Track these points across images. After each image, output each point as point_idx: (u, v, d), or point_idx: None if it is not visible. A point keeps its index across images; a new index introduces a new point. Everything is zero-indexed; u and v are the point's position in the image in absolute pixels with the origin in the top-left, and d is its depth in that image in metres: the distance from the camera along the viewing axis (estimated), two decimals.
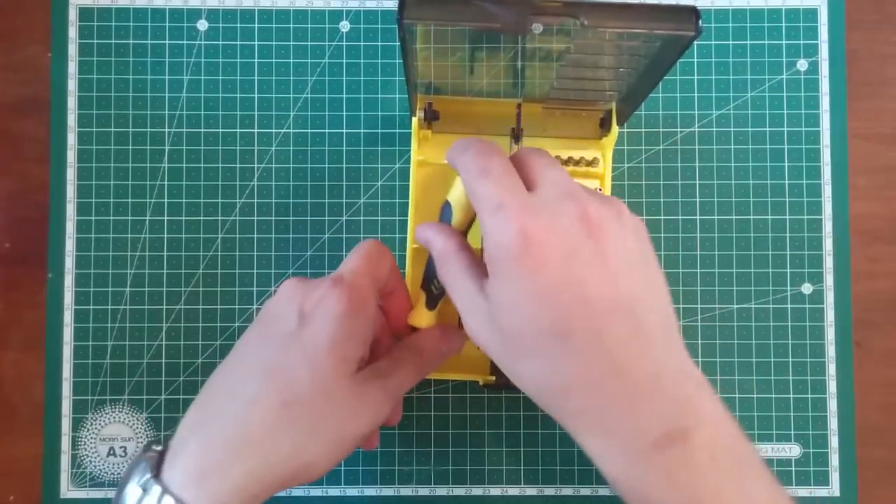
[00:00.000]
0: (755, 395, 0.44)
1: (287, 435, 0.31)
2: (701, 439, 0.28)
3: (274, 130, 0.45)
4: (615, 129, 0.40)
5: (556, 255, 0.28)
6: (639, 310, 0.29)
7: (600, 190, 0.42)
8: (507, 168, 0.30)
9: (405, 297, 0.38)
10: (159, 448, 0.32)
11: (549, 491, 0.44)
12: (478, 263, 0.32)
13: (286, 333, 0.32)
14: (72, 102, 0.44)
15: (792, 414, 0.44)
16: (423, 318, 0.39)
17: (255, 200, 0.44)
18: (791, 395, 0.44)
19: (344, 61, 0.45)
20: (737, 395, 0.44)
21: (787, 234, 0.44)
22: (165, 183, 0.44)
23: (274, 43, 0.45)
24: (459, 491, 0.44)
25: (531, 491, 0.44)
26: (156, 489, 0.30)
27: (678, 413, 0.29)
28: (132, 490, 0.31)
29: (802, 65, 0.45)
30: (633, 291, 0.29)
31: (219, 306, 0.44)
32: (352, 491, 0.44)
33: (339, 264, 0.34)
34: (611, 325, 0.28)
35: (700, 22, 0.29)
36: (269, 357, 0.32)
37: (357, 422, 0.33)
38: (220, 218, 0.44)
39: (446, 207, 0.38)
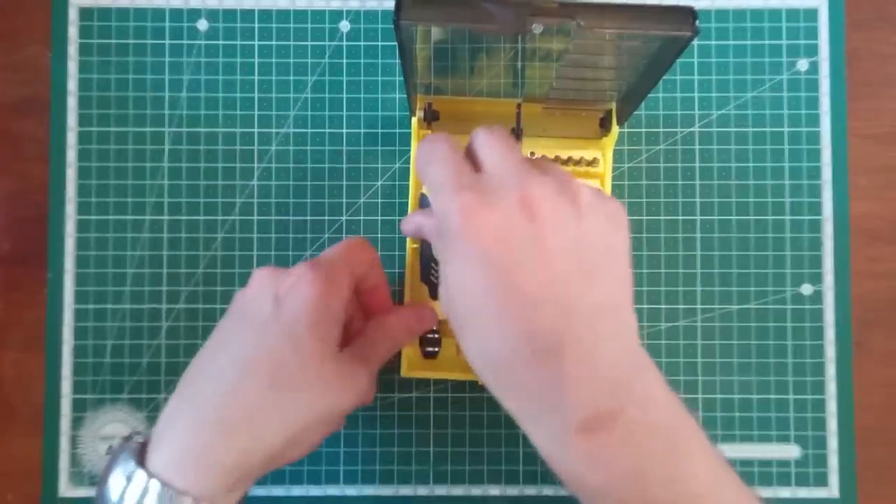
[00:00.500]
0: (754, 396, 0.44)
1: (274, 415, 0.32)
2: (629, 420, 0.28)
3: (274, 130, 0.45)
4: (615, 128, 0.40)
5: (491, 234, 0.28)
6: (573, 294, 0.28)
7: (610, 186, 0.42)
8: (450, 153, 0.31)
9: (386, 294, 0.38)
10: (140, 438, 0.32)
11: (549, 491, 0.44)
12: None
13: (263, 318, 0.33)
14: (72, 102, 0.45)
15: (791, 414, 0.44)
16: None
17: (255, 200, 0.45)
18: (790, 396, 0.44)
19: (344, 61, 0.45)
20: (736, 396, 0.44)
21: (787, 235, 0.44)
22: (165, 182, 0.44)
23: (274, 43, 0.45)
24: (458, 491, 0.44)
25: (530, 491, 0.44)
26: (140, 475, 0.30)
27: (608, 395, 0.28)
28: (115, 480, 0.30)
29: (802, 65, 0.45)
30: (567, 275, 0.28)
31: (218, 306, 0.44)
32: (350, 490, 0.44)
33: None
34: (541, 308, 0.28)
35: (697, 22, 0.29)
36: (250, 342, 0.32)
37: (342, 398, 0.33)
38: (219, 217, 0.44)
39: (423, 199, 0.40)
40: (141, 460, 0.31)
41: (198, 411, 0.32)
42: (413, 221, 0.35)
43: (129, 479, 0.30)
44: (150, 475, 0.30)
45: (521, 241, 0.28)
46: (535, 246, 0.28)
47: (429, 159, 0.31)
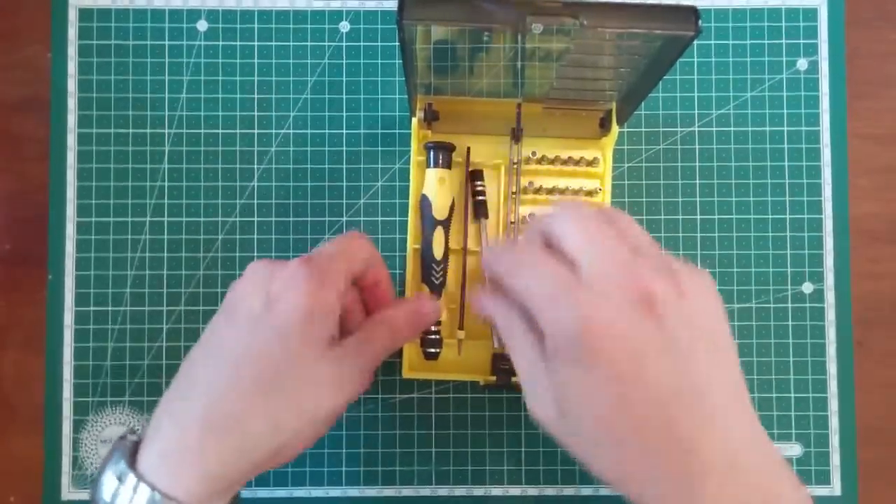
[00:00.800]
0: (756, 395, 0.44)
1: (262, 416, 0.31)
2: None
3: (274, 131, 0.45)
4: (615, 128, 0.40)
5: (619, 348, 0.27)
6: (709, 392, 0.28)
7: (600, 190, 0.42)
8: (541, 256, 0.30)
9: (387, 289, 0.37)
10: (135, 437, 0.32)
11: (551, 491, 0.44)
12: (537, 329, 0.30)
13: (254, 317, 0.32)
14: (72, 103, 0.44)
15: (793, 413, 0.44)
16: None
17: (256, 201, 0.44)
18: (792, 395, 0.44)
19: (344, 61, 0.45)
20: None
21: (788, 234, 0.44)
22: (165, 184, 0.44)
23: (274, 43, 0.45)
24: (461, 491, 0.44)
25: (532, 491, 0.44)
26: (130, 478, 0.30)
27: (759, 499, 0.27)
28: (108, 480, 0.30)
29: (802, 64, 0.45)
30: (701, 374, 0.28)
31: (219, 307, 0.44)
32: (353, 491, 0.44)
33: None
34: (680, 413, 0.27)
35: (700, 21, 0.29)
36: (240, 342, 0.32)
37: (333, 399, 0.33)
38: (220, 219, 0.44)
39: (424, 200, 0.40)
40: (133, 461, 0.30)
41: (186, 414, 0.31)
42: (485, 308, 0.33)
43: (120, 479, 0.30)
44: (140, 478, 0.30)
45: (648, 346, 0.27)
46: (660, 343, 0.27)
47: (517, 266, 0.30)
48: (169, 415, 0.32)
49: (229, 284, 0.34)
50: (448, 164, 0.41)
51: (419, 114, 0.40)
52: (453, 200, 0.41)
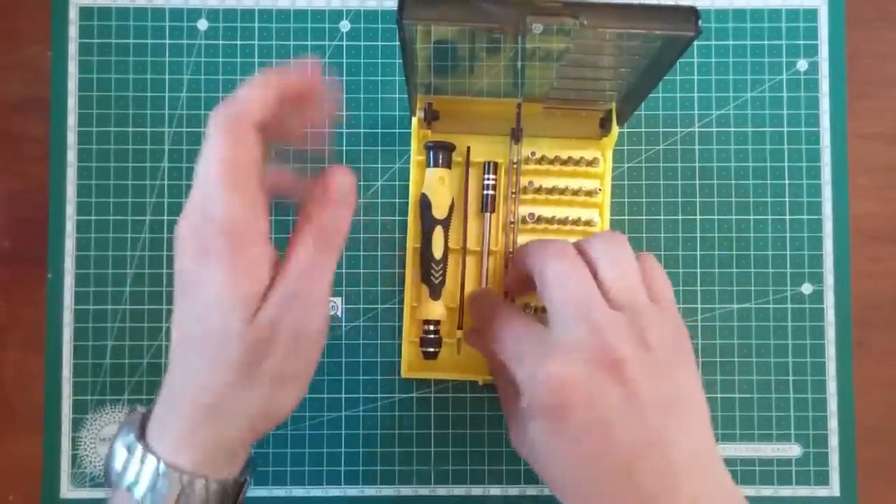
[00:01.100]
0: (755, 395, 0.44)
1: (238, 387, 0.29)
2: None
3: None
4: (615, 128, 0.40)
5: (585, 410, 0.29)
6: (670, 442, 0.29)
7: (599, 190, 0.42)
8: (514, 314, 0.33)
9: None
10: (143, 410, 0.32)
11: (550, 490, 0.44)
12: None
13: (187, 284, 0.30)
14: (72, 102, 0.44)
15: (792, 414, 0.44)
16: (432, 309, 0.40)
17: None
18: (791, 395, 0.44)
19: (344, 61, 0.45)
20: (737, 395, 0.44)
21: (787, 234, 0.44)
22: (165, 182, 0.44)
23: (274, 42, 0.45)
24: (459, 491, 0.44)
25: (531, 490, 0.44)
26: (139, 450, 0.30)
27: None
28: (119, 450, 0.31)
29: (802, 65, 0.45)
30: (667, 429, 0.29)
31: None
32: (352, 491, 0.44)
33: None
34: (640, 463, 0.29)
35: (699, 22, 0.29)
36: (191, 314, 0.30)
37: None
38: None
39: (424, 200, 0.40)
40: (141, 433, 0.31)
41: (174, 388, 0.31)
42: (492, 363, 0.36)
43: (129, 450, 0.30)
44: (146, 448, 0.30)
45: (614, 410, 0.29)
46: (626, 405, 0.29)
47: (494, 319, 0.33)
48: (166, 386, 0.31)
49: None
50: (448, 164, 0.41)
51: (419, 113, 0.40)
52: (453, 200, 0.41)
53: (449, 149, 0.41)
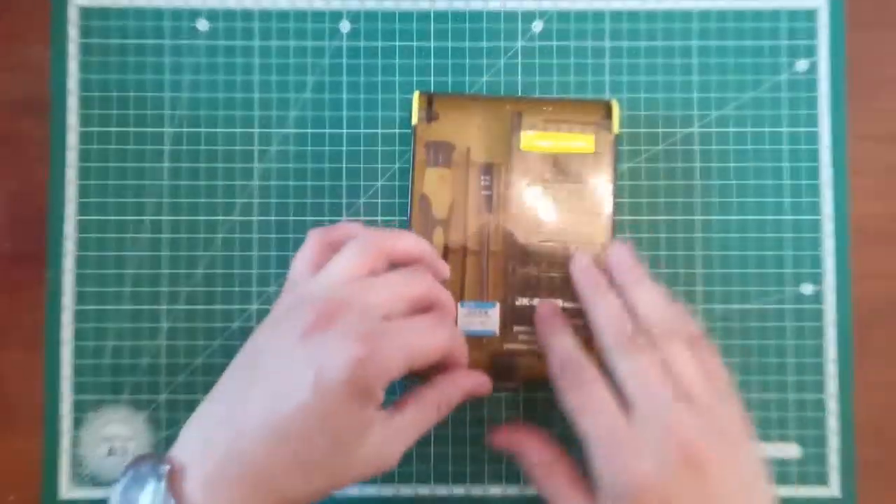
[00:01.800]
0: (755, 395, 0.44)
1: (299, 485, 0.31)
2: None
3: (274, 130, 0.45)
4: (616, 125, 0.40)
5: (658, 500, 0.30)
6: None
7: (612, 185, 0.41)
8: (605, 402, 0.33)
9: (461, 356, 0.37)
10: (168, 465, 0.31)
11: None
12: (578, 477, 0.35)
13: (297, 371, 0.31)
14: (72, 102, 0.44)
15: (791, 414, 0.44)
16: None
17: (255, 200, 0.44)
18: (791, 395, 0.44)
19: (344, 61, 0.45)
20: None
21: (787, 235, 0.44)
22: (165, 183, 0.44)
23: (274, 43, 0.45)
24: (459, 490, 0.44)
25: (532, 491, 0.44)
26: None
27: None
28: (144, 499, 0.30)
29: (802, 65, 0.45)
30: None
31: (218, 306, 0.44)
32: (351, 490, 0.44)
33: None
34: None
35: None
36: (284, 395, 0.31)
37: (372, 472, 0.33)
38: (220, 218, 0.44)
39: (424, 200, 0.40)
40: (173, 488, 0.30)
41: (221, 459, 0.30)
42: (516, 444, 0.37)
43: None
44: None
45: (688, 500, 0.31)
46: (701, 500, 0.31)
47: (581, 405, 0.34)
48: (209, 444, 0.31)
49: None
50: (448, 164, 0.41)
51: (419, 113, 0.40)
52: (453, 200, 0.41)
53: (449, 148, 0.41)
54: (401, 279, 0.34)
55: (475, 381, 0.37)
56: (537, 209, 0.42)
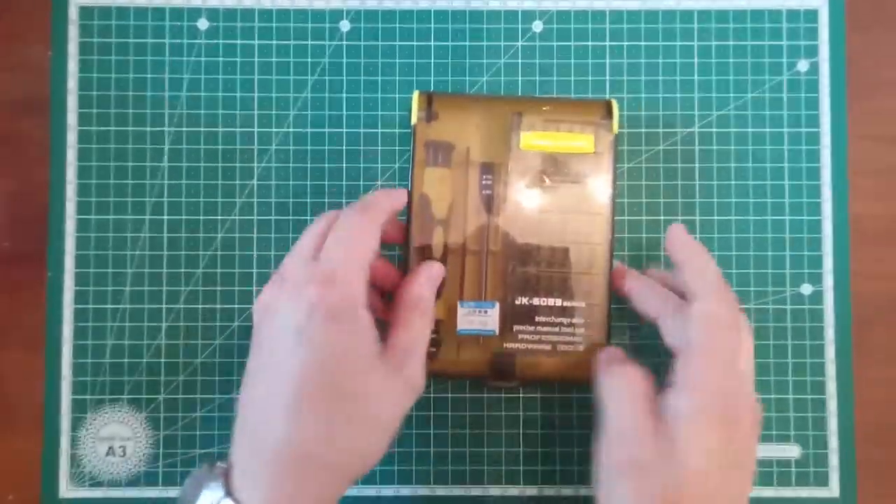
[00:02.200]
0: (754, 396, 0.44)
1: (335, 448, 0.32)
2: None
3: (274, 130, 0.45)
4: (616, 124, 0.40)
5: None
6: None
7: (611, 185, 0.41)
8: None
9: (390, 265, 0.39)
10: (224, 465, 0.33)
11: (549, 491, 0.44)
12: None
13: (292, 342, 0.32)
14: (72, 102, 0.44)
15: (791, 414, 0.44)
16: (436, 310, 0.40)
17: (255, 200, 0.44)
18: (790, 396, 0.44)
19: (344, 61, 0.45)
20: None
21: (787, 235, 0.44)
22: (165, 182, 0.44)
23: (274, 42, 0.45)
24: (459, 491, 0.44)
25: (531, 491, 0.44)
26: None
27: None
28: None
29: (803, 66, 0.45)
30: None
31: (218, 306, 0.44)
32: (351, 490, 0.43)
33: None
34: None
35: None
36: (291, 365, 0.32)
37: (405, 401, 0.34)
38: (219, 217, 0.44)
39: (423, 199, 0.40)
40: (229, 490, 0.32)
41: (263, 455, 0.32)
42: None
43: None
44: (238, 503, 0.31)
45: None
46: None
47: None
48: (246, 447, 0.33)
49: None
50: (448, 163, 0.41)
51: (419, 113, 0.40)
52: (453, 200, 0.41)
53: (449, 148, 0.41)
54: (315, 222, 0.37)
55: (426, 267, 0.38)
56: (536, 209, 0.42)
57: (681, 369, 0.34)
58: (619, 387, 0.35)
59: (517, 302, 0.41)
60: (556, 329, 0.40)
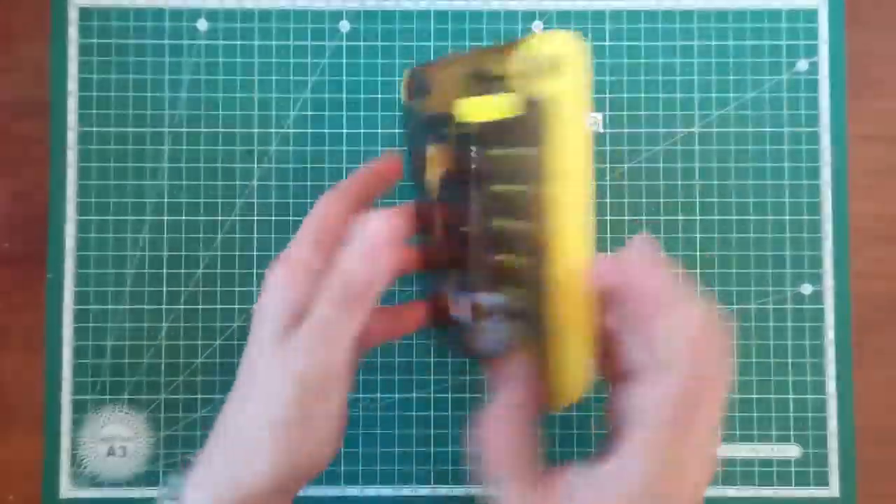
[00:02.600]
0: (754, 396, 0.44)
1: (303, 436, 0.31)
2: None
3: (274, 130, 0.45)
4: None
5: None
6: None
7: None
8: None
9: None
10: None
11: None
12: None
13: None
14: (72, 102, 0.44)
15: (791, 414, 0.44)
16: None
17: (255, 200, 0.44)
18: (790, 396, 0.44)
19: (344, 61, 0.45)
20: (736, 396, 0.44)
21: (787, 235, 0.44)
22: (165, 182, 0.44)
23: (274, 43, 0.45)
24: (459, 491, 0.44)
25: None
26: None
27: None
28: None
29: (802, 65, 0.45)
30: None
31: (218, 306, 0.44)
32: (352, 490, 0.44)
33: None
34: None
35: None
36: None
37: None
38: (219, 218, 0.44)
39: (421, 199, 0.37)
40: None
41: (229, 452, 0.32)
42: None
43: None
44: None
45: None
46: None
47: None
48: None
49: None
50: (443, 139, 0.35)
51: (406, 90, 0.37)
52: (445, 175, 0.36)
53: (443, 122, 0.35)
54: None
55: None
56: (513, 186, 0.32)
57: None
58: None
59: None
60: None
